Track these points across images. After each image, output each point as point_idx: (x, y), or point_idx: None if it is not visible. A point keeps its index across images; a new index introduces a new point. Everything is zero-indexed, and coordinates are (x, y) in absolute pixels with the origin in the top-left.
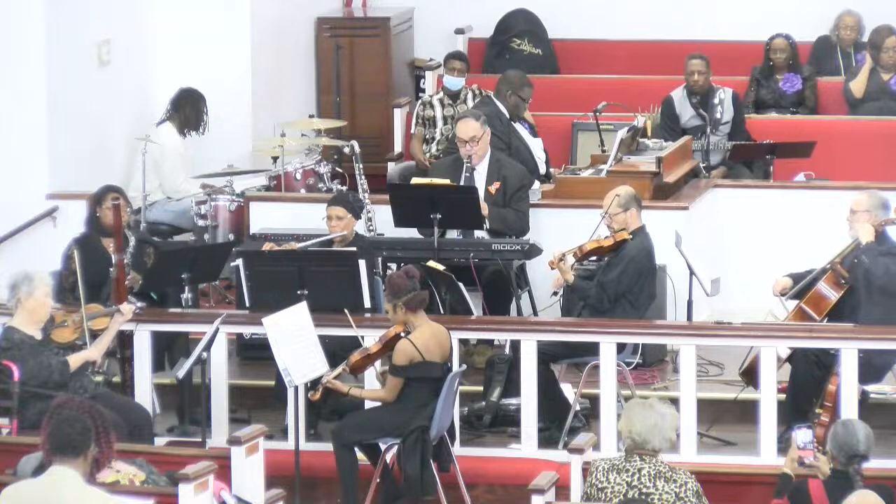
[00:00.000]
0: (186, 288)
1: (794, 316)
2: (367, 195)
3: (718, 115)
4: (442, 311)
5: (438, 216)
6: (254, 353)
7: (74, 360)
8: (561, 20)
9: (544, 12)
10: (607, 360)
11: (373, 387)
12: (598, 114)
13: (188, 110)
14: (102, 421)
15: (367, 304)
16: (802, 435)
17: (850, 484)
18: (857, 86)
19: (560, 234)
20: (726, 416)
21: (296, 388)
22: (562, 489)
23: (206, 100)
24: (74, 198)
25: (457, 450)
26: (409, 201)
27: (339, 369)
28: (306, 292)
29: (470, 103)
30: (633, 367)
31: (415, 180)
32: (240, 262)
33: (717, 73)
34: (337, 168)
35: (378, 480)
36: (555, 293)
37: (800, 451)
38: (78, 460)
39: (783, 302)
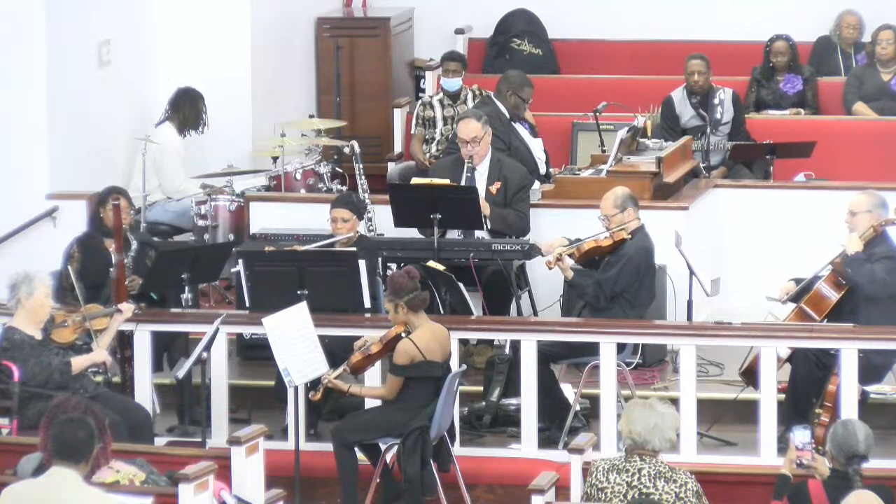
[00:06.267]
0: (186, 288)
1: (795, 316)
2: (367, 195)
3: (718, 116)
4: (442, 311)
5: (438, 216)
6: (254, 353)
7: (78, 362)
8: (561, 20)
9: (544, 12)
10: (607, 360)
11: (374, 386)
12: (598, 114)
13: (187, 110)
14: (100, 421)
15: (367, 304)
16: (800, 435)
17: (850, 484)
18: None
19: (560, 234)
20: (726, 416)
21: (296, 388)
22: (562, 489)
23: (205, 99)
24: (74, 198)
25: (457, 450)
26: (409, 201)
27: (339, 369)
28: (306, 292)
29: (470, 103)
30: (633, 367)
31: (415, 180)
32: (240, 262)
33: (717, 73)
34: (337, 168)
35: (378, 480)
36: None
37: (798, 452)
38: (79, 465)
39: (780, 305)
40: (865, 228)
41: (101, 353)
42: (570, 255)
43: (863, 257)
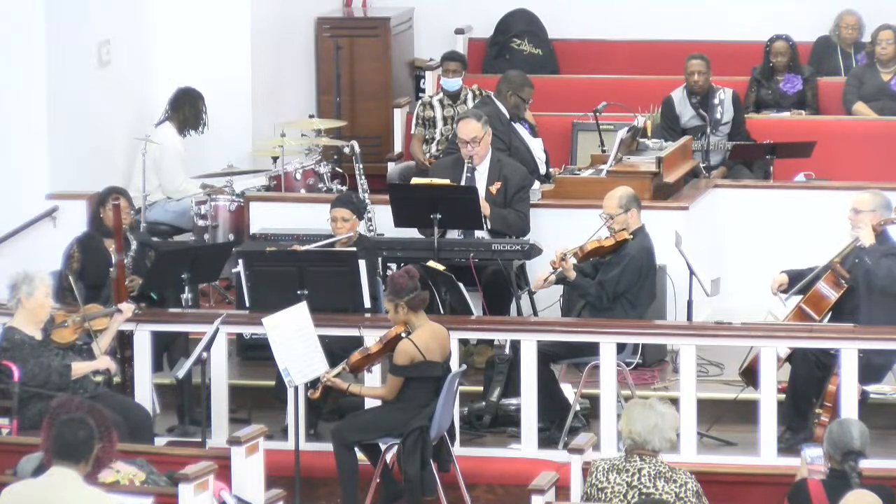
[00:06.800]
0: (186, 288)
1: (794, 316)
2: (367, 195)
3: (718, 116)
4: (442, 311)
5: (438, 216)
6: (254, 353)
7: (79, 367)
8: (561, 20)
9: (544, 12)
10: (607, 360)
11: (374, 386)
12: (598, 114)
13: (186, 110)
14: (104, 420)
15: (367, 304)
16: (811, 451)
17: (848, 482)
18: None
19: (560, 234)
20: (726, 416)
21: (296, 388)
22: (562, 489)
23: (204, 98)
24: (74, 198)
25: (457, 450)
26: (409, 201)
27: (339, 368)
28: (306, 292)
29: (470, 104)
30: (633, 367)
31: (415, 180)
32: (240, 262)
33: (717, 73)
34: (337, 168)
35: (378, 480)
36: (532, 292)
37: (809, 467)
38: (79, 465)
39: (783, 301)
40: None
41: (104, 359)
42: (574, 256)
43: (879, 249)
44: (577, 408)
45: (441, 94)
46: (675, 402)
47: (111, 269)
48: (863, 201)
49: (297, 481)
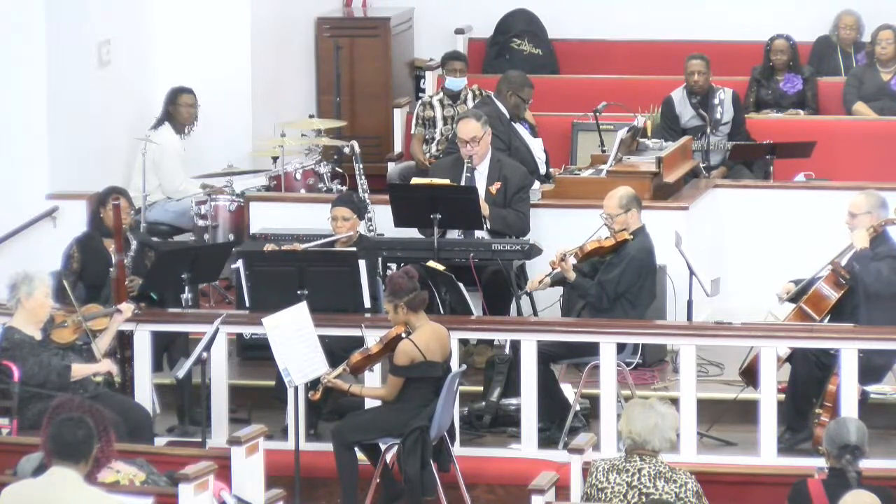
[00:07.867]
0: (186, 288)
1: (794, 316)
2: (367, 195)
3: (718, 116)
4: (442, 311)
5: (438, 216)
6: (254, 353)
7: (80, 369)
8: (561, 20)
9: (544, 12)
10: (607, 360)
11: (374, 386)
12: (598, 114)
13: (168, 108)
14: (102, 420)
15: (367, 304)
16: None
17: (846, 479)
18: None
19: (560, 234)
20: (726, 416)
21: (296, 388)
22: (562, 489)
23: (182, 92)
24: (74, 198)
25: (457, 450)
26: (409, 201)
27: (339, 369)
28: (306, 292)
29: (470, 104)
30: (633, 367)
31: (415, 180)
32: (240, 262)
33: (717, 73)
34: (337, 168)
35: (378, 480)
36: (528, 292)
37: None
38: (79, 465)
39: (780, 304)
40: (867, 228)
41: (105, 363)
42: (574, 256)
43: (870, 254)
44: (577, 408)
45: (441, 94)
46: (675, 402)
47: (111, 269)
48: (857, 204)
49: (297, 481)
